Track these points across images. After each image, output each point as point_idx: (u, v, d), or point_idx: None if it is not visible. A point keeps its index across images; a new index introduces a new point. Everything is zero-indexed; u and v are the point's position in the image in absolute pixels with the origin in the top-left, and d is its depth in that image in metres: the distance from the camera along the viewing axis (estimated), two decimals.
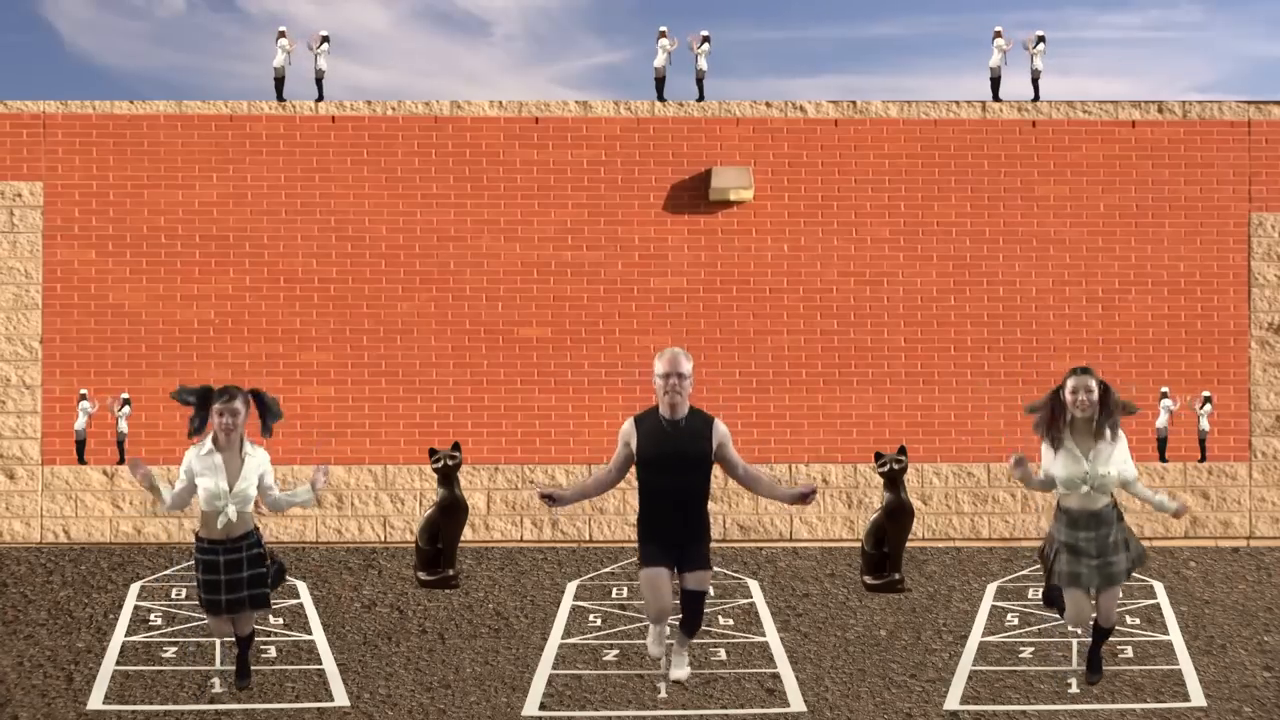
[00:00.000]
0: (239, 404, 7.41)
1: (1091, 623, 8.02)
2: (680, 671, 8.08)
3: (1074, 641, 10.23)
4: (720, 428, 7.64)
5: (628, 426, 7.68)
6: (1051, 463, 7.73)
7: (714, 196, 13.91)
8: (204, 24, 27.74)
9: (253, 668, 8.81)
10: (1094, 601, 7.86)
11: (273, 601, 8.44)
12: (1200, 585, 12.11)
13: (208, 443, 7.45)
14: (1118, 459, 7.76)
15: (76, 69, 26.64)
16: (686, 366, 7.56)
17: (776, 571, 12.59)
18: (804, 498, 7.66)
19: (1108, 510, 7.92)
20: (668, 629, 8.02)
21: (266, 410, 7.50)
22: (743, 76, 27.00)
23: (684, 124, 14.04)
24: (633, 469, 7.73)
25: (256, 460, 7.54)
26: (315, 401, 13.82)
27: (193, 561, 7.74)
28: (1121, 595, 11.38)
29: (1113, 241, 14.10)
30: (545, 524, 13.88)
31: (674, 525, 7.63)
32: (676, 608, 7.74)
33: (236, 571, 7.56)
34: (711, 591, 9.07)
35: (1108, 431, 7.71)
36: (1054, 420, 7.73)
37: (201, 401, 7.42)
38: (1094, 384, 7.76)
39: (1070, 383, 7.79)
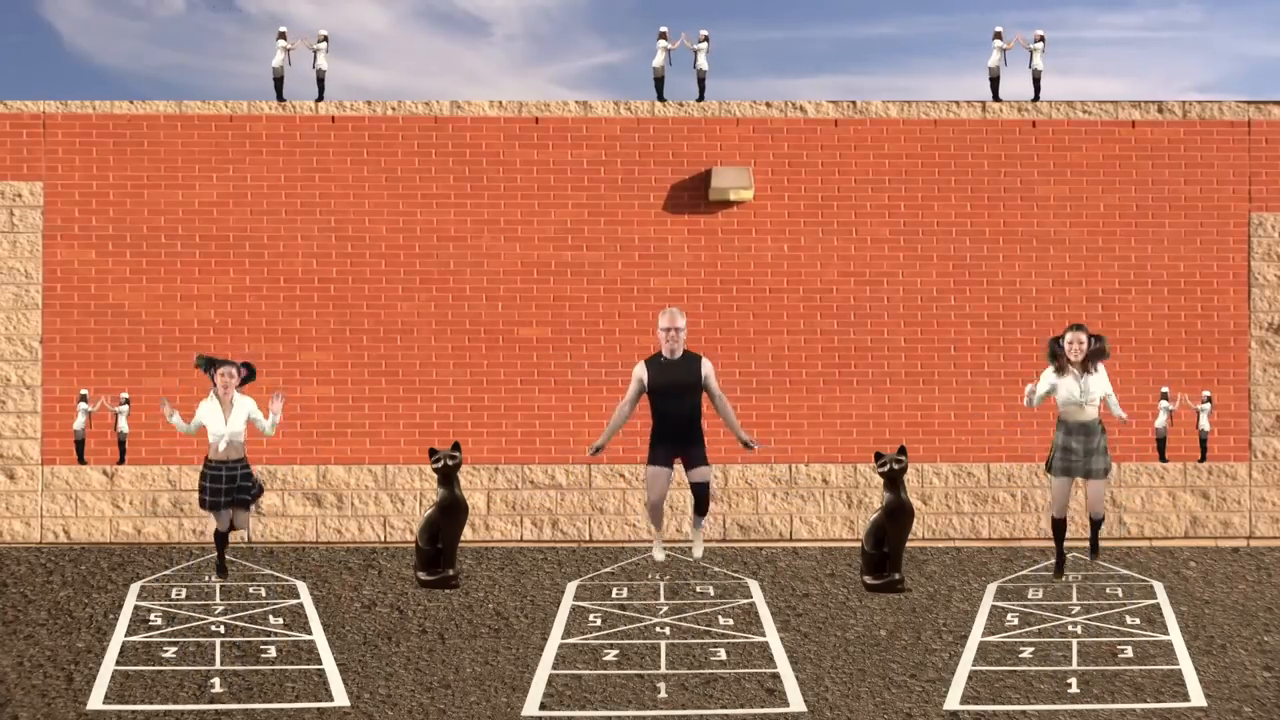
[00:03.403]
0: (233, 369, 11.27)
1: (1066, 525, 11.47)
2: (697, 551, 11.40)
3: (1074, 642, 10.24)
4: (706, 364, 10.84)
5: (639, 366, 10.85)
6: (1055, 385, 10.94)
7: (714, 196, 13.91)
8: (204, 24, 27.76)
9: (252, 668, 9.65)
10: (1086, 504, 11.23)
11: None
12: (1200, 585, 12.11)
13: (212, 396, 11.22)
14: (1100, 382, 10.97)
15: (76, 69, 26.65)
16: (681, 321, 10.78)
17: (776, 571, 12.59)
18: (748, 445, 10.83)
19: (1094, 424, 10.99)
20: (662, 543, 11.51)
21: (249, 375, 11.42)
22: (743, 76, 27.02)
23: (684, 124, 14.05)
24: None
25: (242, 405, 11.26)
26: (315, 401, 13.83)
27: (199, 484, 11.30)
28: (1121, 595, 11.47)
29: (1113, 241, 14.11)
30: (545, 524, 13.89)
31: (675, 435, 10.73)
32: (665, 496, 10.93)
33: (230, 484, 11.26)
34: (712, 500, 12.02)
35: (1091, 367, 10.95)
36: (1057, 360, 10.96)
37: (210, 368, 11.30)
38: (1084, 337, 10.96)
39: (1068, 336, 10.98)
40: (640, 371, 10.84)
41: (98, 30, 27.77)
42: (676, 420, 10.76)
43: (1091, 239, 14.10)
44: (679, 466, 11.12)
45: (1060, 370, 10.94)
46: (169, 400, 11.47)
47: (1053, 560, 12.07)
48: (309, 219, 13.91)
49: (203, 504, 11.35)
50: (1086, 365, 10.92)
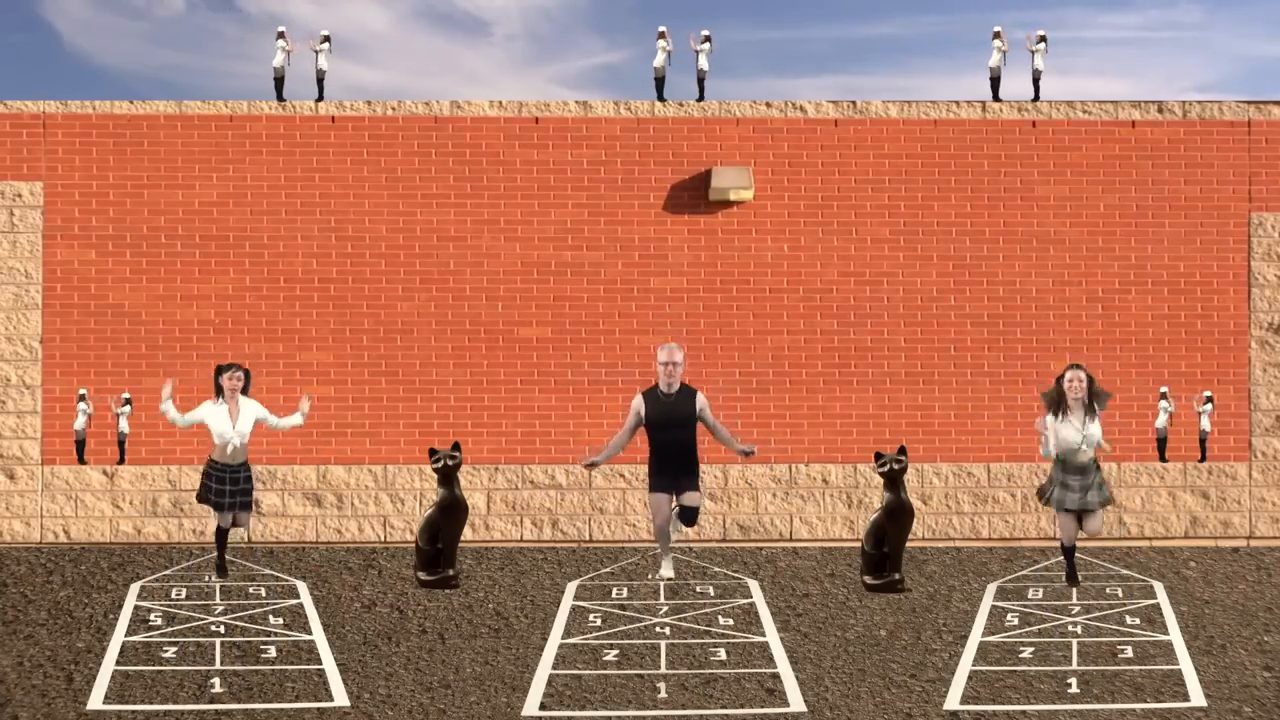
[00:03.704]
0: (240, 372, 11.56)
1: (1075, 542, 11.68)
2: (675, 534, 11.60)
3: (1074, 642, 10.24)
4: (701, 398, 11.30)
5: (638, 399, 11.26)
6: (1059, 429, 11.17)
7: (714, 196, 13.91)
8: (204, 24, 27.77)
9: (252, 668, 9.65)
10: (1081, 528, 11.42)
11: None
12: (1200, 585, 12.11)
13: (220, 400, 11.50)
14: (1097, 429, 11.19)
15: (76, 69, 26.68)
16: (679, 356, 11.23)
17: (776, 571, 12.59)
18: (746, 454, 11.24)
19: (1090, 464, 11.24)
20: (670, 559, 11.79)
21: (248, 380, 11.67)
22: (743, 76, 27.04)
23: (684, 124, 14.05)
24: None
25: (249, 407, 11.55)
26: (315, 401, 13.82)
27: (202, 483, 11.56)
28: (1121, 595, 11.47)
29: (1113, 241, 14.11)
30: (545, 524, 13.89)
31: (672, 464, 11.19)
32: (670, 521, 11.34)
33: (234, 485, 11.53)
34: (706, 503, 13.13)
35: (1094, 409, 11.19)
36: (1058, 404, 11.19)
37: (217, 374, 11.56)
38: (1084, 375, 11.20)
39: (1067, 374, 11.23)
40: (638, 404, 11.29)
41: (98, 30, 27.78)
42: (673, 451, 11.22)
43: (1091, 239, 14.10)
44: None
45: (1059, 415, 11.16)
46: (173, 382, 11.71)
47: (1053, 560, 12.07)
48: (309, 219, 13.91)
49: (204, 500, 11.64)
50: (1090, 409, 11.12)
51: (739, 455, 11.40)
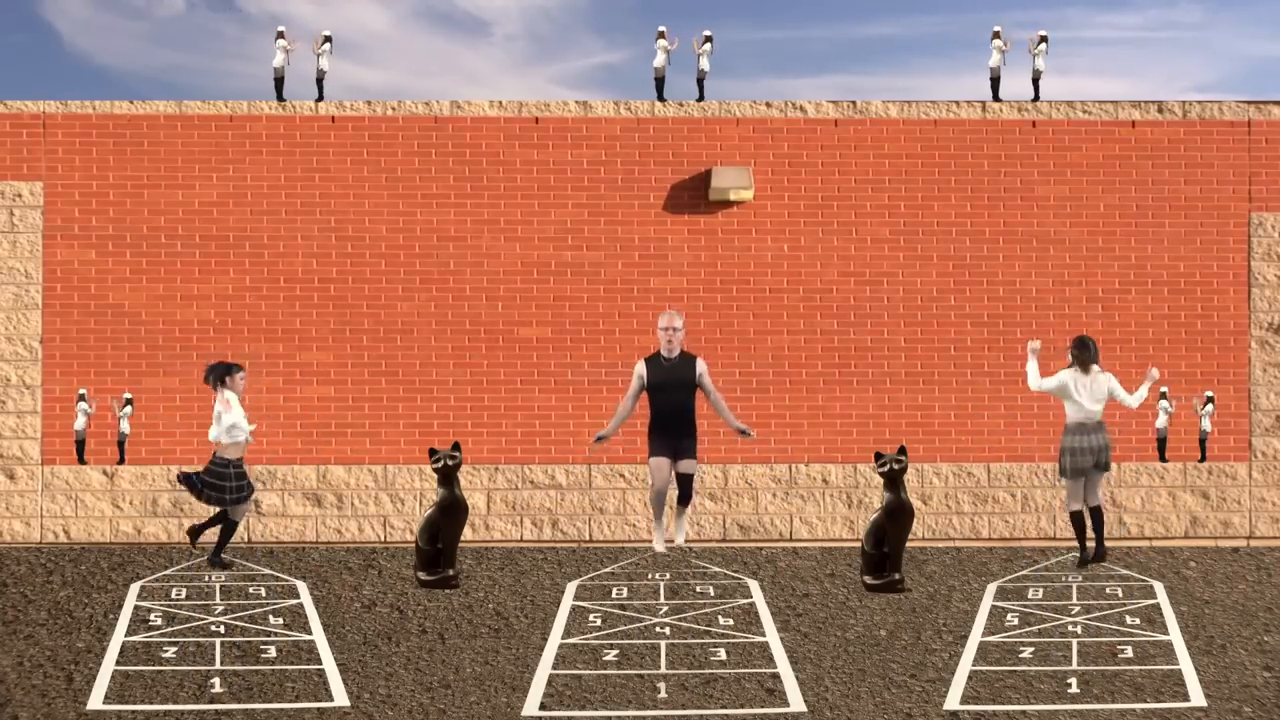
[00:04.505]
0: (243, 374, 11.91)
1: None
2: (680, 537, 12.10)
3: (1074, 642, 10.24)
4: (701, 364, 11.69)
5: (640, 364, 11.66)
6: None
7: (714, 196, 13.92)
8: (204, 24, 27.78)
9: (252, 668, 9.66)
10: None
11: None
12: (1200, 585, 12.11)
13: (235, 399, 11.70)
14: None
15: (76, 69, 26.70)
16: (679, 322, 11.62)
17: (776, 571, 12.59)
18: (743, 432, 11.63)
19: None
20: (666, 527, 12.09)
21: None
22: (743, 76, 27.05)
23: (684, 124, 14.05)
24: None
25: (242, 411, 11.84)
26: (315, 401, 13.83)
27: (210, 477, 11.73)
28: (1121, 595, 11.46)
29: (1113, 241, 14.11)
30: (545, 524, 13.89)
31: (671, 428, 11.55)
32: (670, 486, 11.68)
33: (238, 480, 11.78)
34: (697, 481, 12.98)
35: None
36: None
37: (227, 373, 11.78)
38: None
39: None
40: (641, 369, 11.66)
41: (98, 30, 27.79)
42: (672, 415, 11.59)
43: (1091, 239, 14.11)
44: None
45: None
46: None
47: (1053, 560, 12.08)
48: (309, 219, 13.91)
49: (212, 500, 11.82)
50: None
51: (735, 433, 11.74)
